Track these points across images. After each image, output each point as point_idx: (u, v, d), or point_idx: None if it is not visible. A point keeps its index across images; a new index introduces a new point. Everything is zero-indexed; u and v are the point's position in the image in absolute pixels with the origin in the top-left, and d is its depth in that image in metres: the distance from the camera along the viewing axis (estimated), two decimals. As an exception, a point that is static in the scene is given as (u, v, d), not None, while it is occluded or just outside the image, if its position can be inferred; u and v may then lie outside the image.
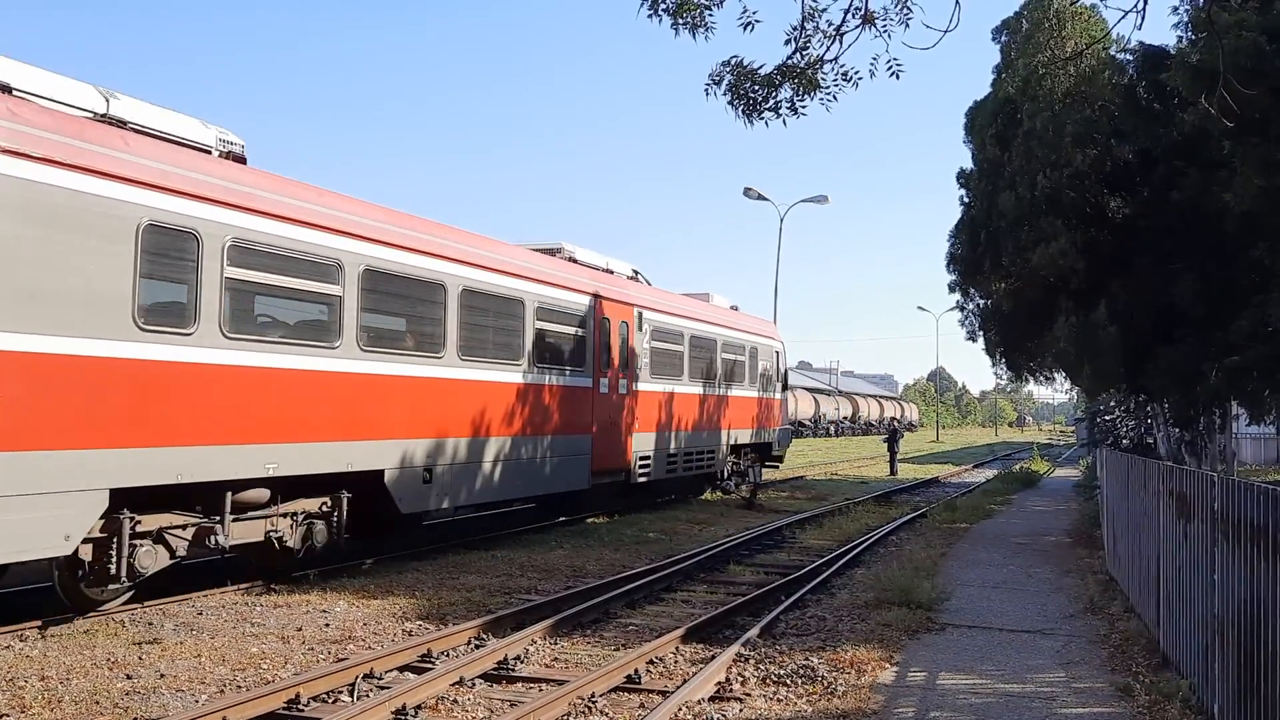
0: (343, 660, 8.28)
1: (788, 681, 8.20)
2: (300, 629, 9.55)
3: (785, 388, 27.99)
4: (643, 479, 19.63)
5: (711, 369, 22.80)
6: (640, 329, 19.51)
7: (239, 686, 7.65)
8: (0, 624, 9.20)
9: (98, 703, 7.13)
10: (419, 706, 7.19)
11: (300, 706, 7.03)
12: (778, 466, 29.32)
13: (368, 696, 7.34)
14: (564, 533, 17.11)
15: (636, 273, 20.84)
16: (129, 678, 7.77)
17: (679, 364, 21.36)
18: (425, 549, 14.57)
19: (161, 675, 7.86)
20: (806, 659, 8.83)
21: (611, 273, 19.27)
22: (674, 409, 20.94)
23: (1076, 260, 17.38)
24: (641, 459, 19.47)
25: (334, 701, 7.32)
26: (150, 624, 9.61)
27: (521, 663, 8.53)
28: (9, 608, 9.81)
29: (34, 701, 7.07)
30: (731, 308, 25.14)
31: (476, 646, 8.98)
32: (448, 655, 8.68)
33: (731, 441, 23.98)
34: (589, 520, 19.02)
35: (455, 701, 7.48)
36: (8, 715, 6.78)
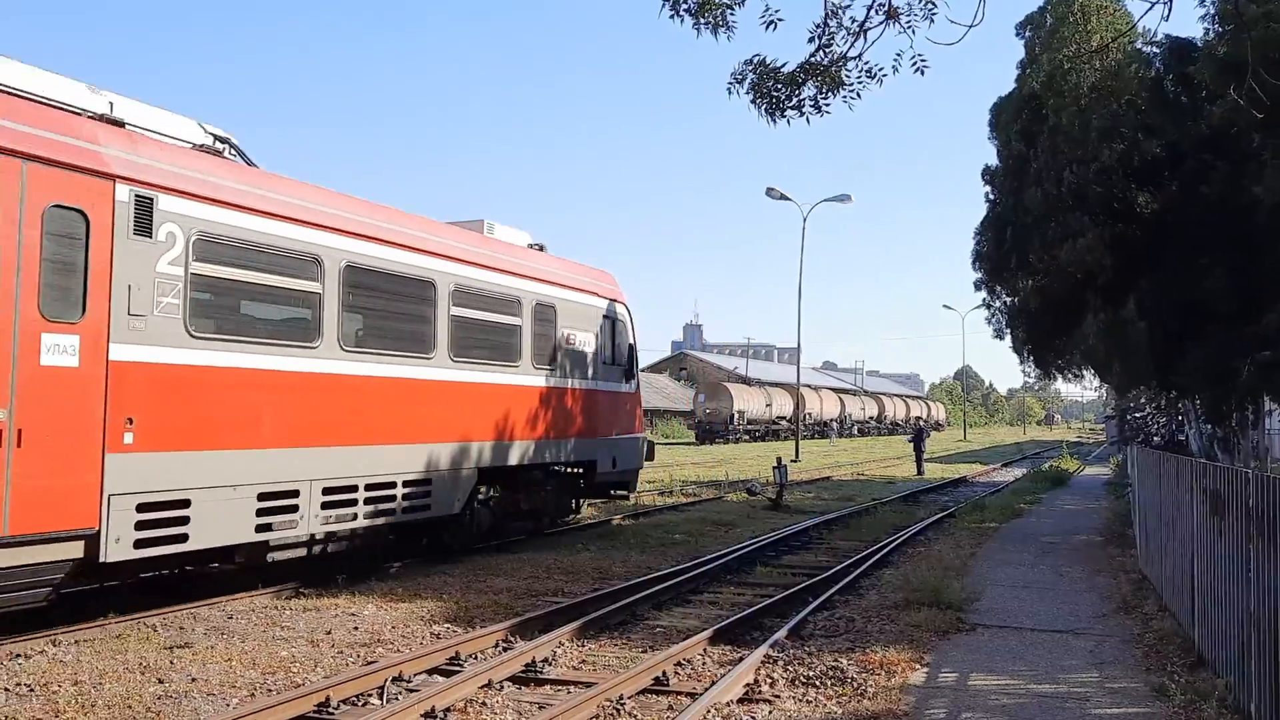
0: (372, 663, 8.30)
1: (817, 683, 8.15)
2: (329, 632, 9.59)
3: (632, 375, 18.27)
4: (142, 554, 9.27)
5: (429, 335, 13.07)
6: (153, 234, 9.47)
7: (269, 690, 7.68)
8: (33, 630, 9.28)
9: (130, 707, 7.18)
10: (448, 709, 7.20)
11: (330, 710, 7.05)
12: (626, 497, 19.34)
13: (397, 699, 7.35)
14: (590, 535, 17.12)
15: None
16: (160, 682, 7.82)
17: (312, 322, 11.34)
18: (451, 552, 14.59)
19: (193, 679, 7.91)
20: (836, 660, 8.78)
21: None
22: (262, 403, 10.64)
23: (1104, 256, 17.23)
24: (142, 509, 9.18)
25: (364, 705, 7.34)
26: (181, 628, 9.67)
27: (550, 665, 8.52)
28: (39, 615, 9.88)
29: (67, 706, 7.12)
30: (534, 246, 16.28)
31: (504, 649, 8.98)
32: (476, 658, 8.69)
33: (488, 461, 13.99)
34: (614, 522, 19.01)
35: (484, 704, 7.49)
36: (41, 719, 6.83)
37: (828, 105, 8.24)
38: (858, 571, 13.25)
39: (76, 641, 9.07)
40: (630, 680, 7.82)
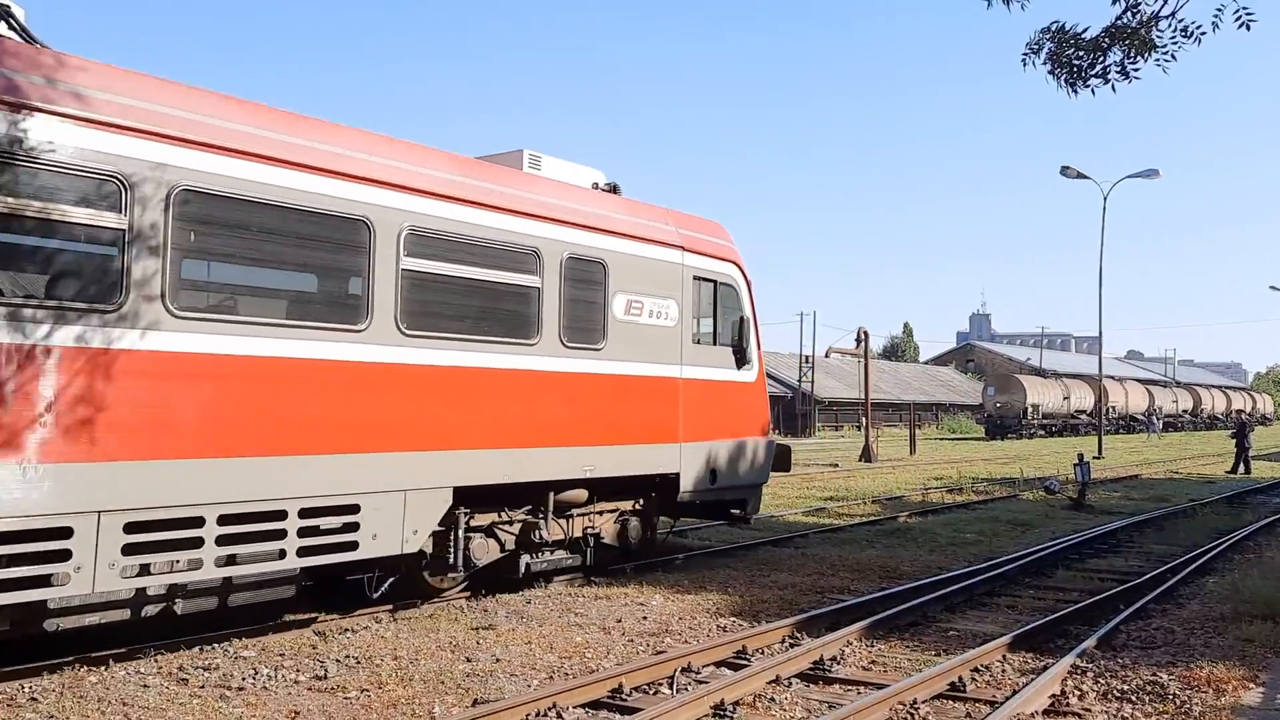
0: (661, 653, 8.45)
1: (1132, 698, 7.51)
2: (620, 620, 9.87)
3: (746, 359, 13.41)
4: None
5: (358, 298, 9.25)
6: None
7: (565, 674, 7.99)
8: (357, 608, 10.16)
9: (443, 683, 7.67)
10: (737, 703, 7.20)
11: (623, 696, 7.24)
12: (744, 521, 14.32)
13: (686, 690, 7.43)
14: (876, 532, 16.70)
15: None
16: (468, 660, 8.32)
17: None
18: (735, 546, 14.69)
19: (497, 660, 8.36)
20: (1154, 674, 8.05)
21: None
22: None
23: None
24: None
25: (654, 693, 7.48)
26: (485, 610, 10.26)
27: (838, 664, 8.35)
28: (360, 595, 10.78)
29: (389, 679, 7.72)
30: (604, 188, 12.42)
31: (791, 645, 8.90)
32: (763, 653, 8.65)
33: (473, 476, 9.98)
34: (901, 520, 18.45)
35: (773, 700, 7.43)
36: (368, 690, 7.44)
37: (1136, 71, 7.56)
38: (1176, 579, 12.13)
39: (395, 619, 9.82)
40: (924, 684, 7.52)
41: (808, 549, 14.62)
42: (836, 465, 34.81)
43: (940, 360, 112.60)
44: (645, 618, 10.03)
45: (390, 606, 10.21)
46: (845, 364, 77.20)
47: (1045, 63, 7.59)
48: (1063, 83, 7.59)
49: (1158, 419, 75.12)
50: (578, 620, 9.88)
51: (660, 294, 12.13)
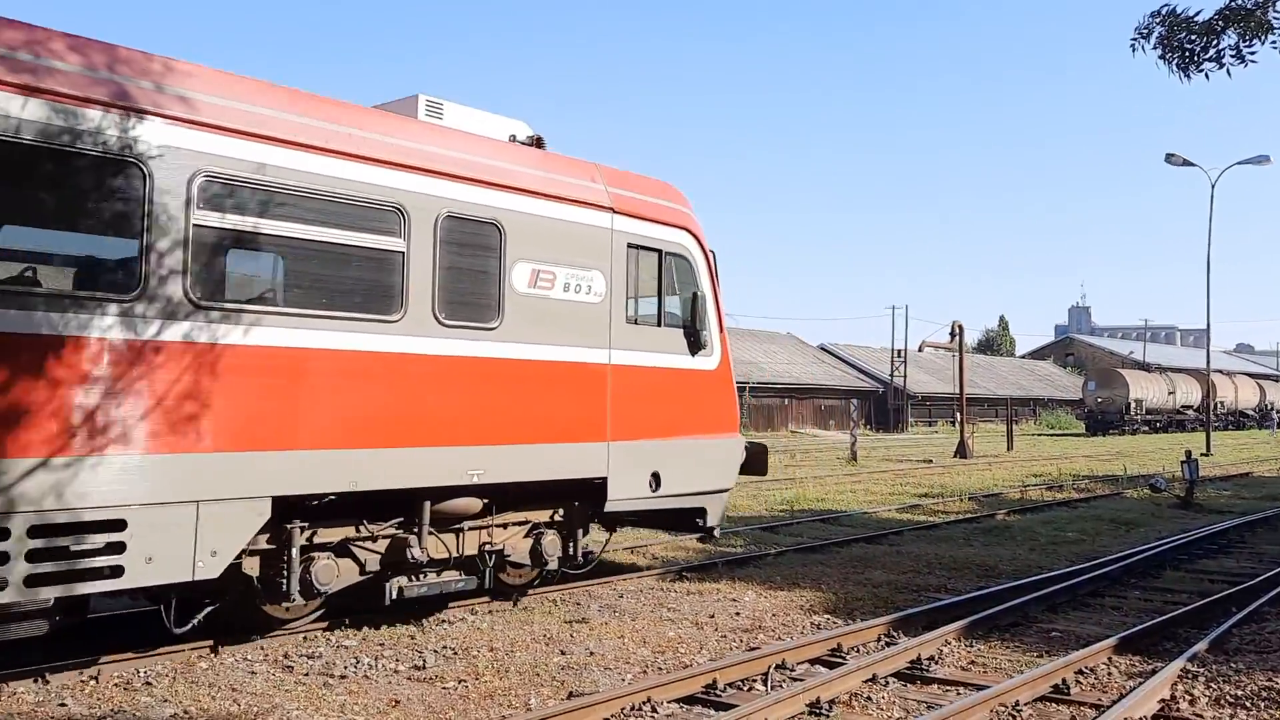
0: (754, 650, 8.41)
1: (1248, 704, 7.23)
2: (712, 616, 9.85)
3: (702, 344, 11.20)
4: None
5: (131, 263, 7.27)
6: None
7: (659, 669, 8.01)
8: (452, 600, 10.32)
9: (538, 675, 7.76)
10: (833, 701, 7.13)
11: (717, 692, 7.22)
12: (708, 532, 11.66)
13: (781, 687, 7.38)
14: (972, 530, 16.37)
15: None
16: (563, 653, 8.40)
17: None
18: (828, 542, 14.55)
19: (590, 653, 8.42)
20: (1270, 680, 7.74)
21: None
22: None
23: None
24: None
25: (749, 690, 7.44)
26: (577, 604, 10.34)
27: (935, 663, 8.21)
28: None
29: (485, 670, 7.83)
30: (526, 141, 10.41)
31: (887, 644, 8.77)
32: (858, 651, 8.55)
33: (302, 483, 7.97)
34: (998, 517, 18.06)
35: (869, 699, 7.34)
36: (465, 680, 7.57)
37: (1252, 54, 7.25)
38: (1292, 581, 11.64)
39: (490, 612, 9.96)
40: (1026, 686, 7.34)
41: (902, 546, 14.41)
42: (930, 461, 34.22)
43: (1038, 354, 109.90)
44: (738, 613, 10.00)
45: (487, 598, 10.33)
46: (938, 358, 75.78)
47: (1155, 47, 7.33)
48: (1174, 67, 7.31)
49: (1276, 413, 71.96)
50: (670, 615, 9.89)
51: (580, 264, 10.00)
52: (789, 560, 13.17)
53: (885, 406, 69.88)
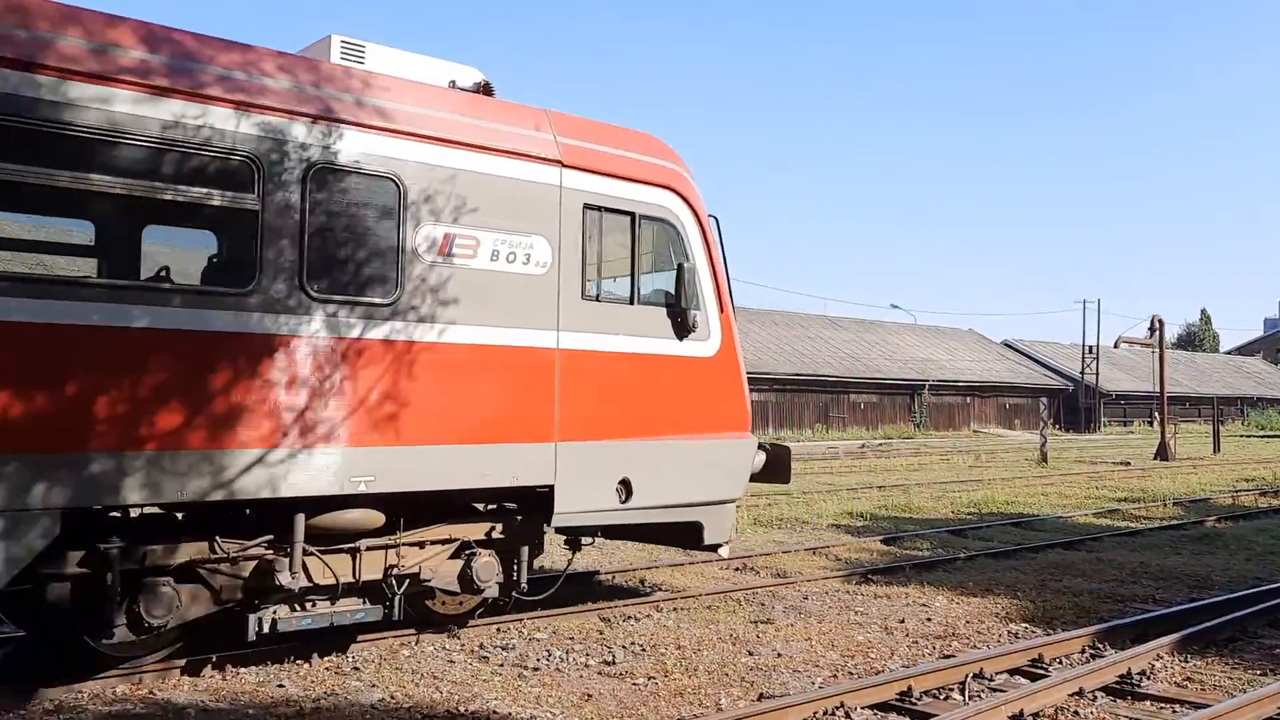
0: (949, 657, 8.15)
1: None
2: (902, 621, 9.60)
3: (690, 327, 9.25)
4: None
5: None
6: None
7: (850, 673, 7.85)
8: (634, 597, 10.43)
9: (726, 674, 7.74)
10: (1036, 715, 6.81)
11: (912, 700, 7.02)
12: (715, 552, 10.18)
13: (979, 698, 7.12)
14: (1179, 537, 15.39)
15: None
16: (750, 654, 8.34)
17: None
18: (1020, 547, 13.96)
19: (778, 654, 8.33)
20: None
21: None
22: None
23: None
24: None
25: (945, 699, 7.20)
26: (762, 604, 10.26)
27: (1147, 679, 7.73)
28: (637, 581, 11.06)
29: (674, 668, 7.87)
30: (473, 88, 8.79)
31: (1093, 656, 8.33)
32: (1060, 662, 8.16)
33: (111, 493, 6.42)
34: (1208, 524, 16.92)
35: (1076, 714, 6.98)
36: (654, 678, 7.62)
37: None
38: None
39: (675, 609, 10.00)
40: (1251, 706, 6.82)
41: (1102, 553, 13.69)
42: (1128, 464, 32.40)
43: (1245, 350, 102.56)
44: (929, 619, 9.71)
45: (675, 597, 10.37)
46: (1134, 355, 71.80)
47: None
48: None
49: None
50: (858, 619, 9.69)
51: (513, 228, 8.25)
52: (980, 565, 12.71)
53: (1076, 405, 66.62)
